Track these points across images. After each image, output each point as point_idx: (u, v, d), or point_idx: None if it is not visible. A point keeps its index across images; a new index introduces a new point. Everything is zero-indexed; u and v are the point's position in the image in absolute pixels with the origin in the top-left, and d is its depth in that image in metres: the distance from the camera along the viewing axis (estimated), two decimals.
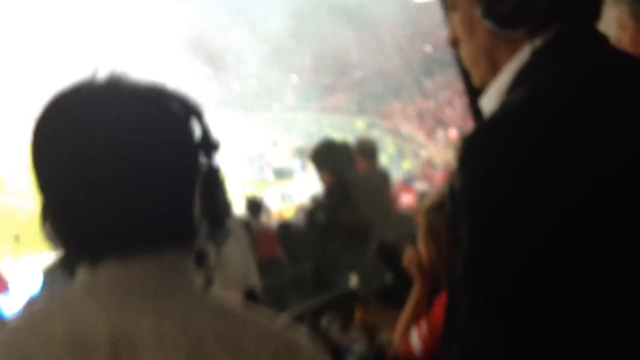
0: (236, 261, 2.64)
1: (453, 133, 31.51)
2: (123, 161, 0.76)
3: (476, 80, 1.03)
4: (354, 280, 1.90)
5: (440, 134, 33.67)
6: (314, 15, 63.42)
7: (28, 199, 28.82)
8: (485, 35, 0.99)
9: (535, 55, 0.92)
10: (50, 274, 3.49)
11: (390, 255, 1.87)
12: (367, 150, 4.20)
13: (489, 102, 0.96)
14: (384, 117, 43.18)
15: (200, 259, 0.85)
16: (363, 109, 46.16)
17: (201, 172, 0.83)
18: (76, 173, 0.76)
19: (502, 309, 0.79)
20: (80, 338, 0.72)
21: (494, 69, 0.99)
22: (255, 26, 67.01)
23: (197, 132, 0.84)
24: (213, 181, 0.86)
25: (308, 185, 26.80)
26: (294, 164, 34.50)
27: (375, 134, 39.85)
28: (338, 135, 41.77)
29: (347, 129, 42.39)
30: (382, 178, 4.37)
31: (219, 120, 50.75)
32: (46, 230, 0.80)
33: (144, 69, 59.07)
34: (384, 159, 27.80)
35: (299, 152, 36.83)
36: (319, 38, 59.90)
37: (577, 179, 0.78)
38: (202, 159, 0.84)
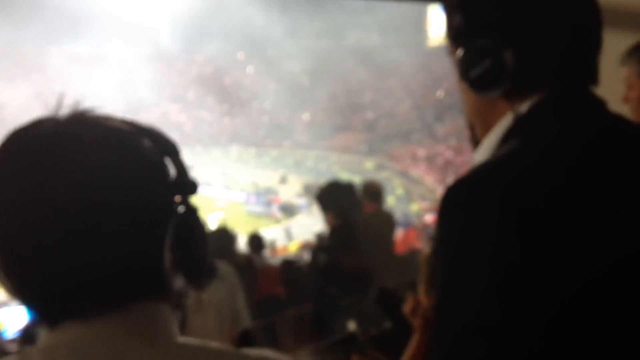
0: (222, 305, 2.60)
1: None
2: (82, 207, 0.66)
3: (477, 133, 1.06)
4: (352, 325, 1.86)
5: (449, 178, 33.69)
6: (329, 56, 64.43)
7: None
8: (472, 94, 1.02)
9: (519, 118, 0.94)
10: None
11: (390, 303, 1.84)
12: (373, 192, 4.19)
13: (480, 158, 0.98)
14: (393, 158, 43.32)
15: (177, 306, 0.77)
16: (373, 149, 46.40)
17: (175, 217, 0.73)
18: (27, 219, 0.66)
19: None
20: None
21: (486, 126, 1.01)
22: (270, 63, 68.06)
23: (172, 172, 0.75)
24: (188, 226, 0.75)
25: (314, 223, 26.78)
26: (302, 200, 34.53)
27: (384, 175, 39.93)
28: (347, 174, 41.91)
29: (356, 169, 42.54)
30: (387, 220, 4.35)
31: (230, 155, 51.29)
32: (5, 281, 0.70)
33: (154, 103, 59.79)
34: (391, 201, 27.76)
35: (307, 189, 36.92)
36: (333, 78, 60.69)
37: (547, 234, 0.80)
38: (177, 202, 0.74)
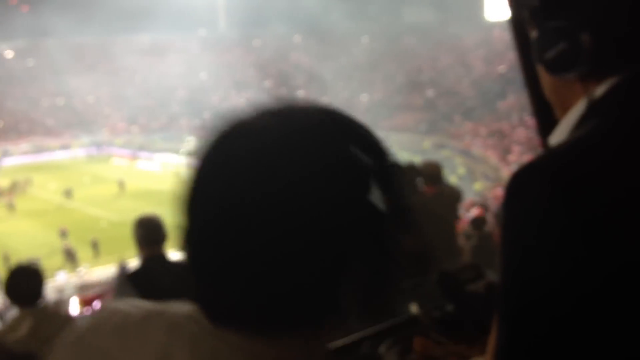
0: None
1: (527, 154, 30.67)
2: (278, 225, 0.60)
3: (555, 113, 1.03)
4: (414, 308, 1.85)
5: (513, 156, 32.83)
6: (387, 35, 63.75)
7: (108, 210, 30.16)
8: (548, 75, 0.99)
9: (594, 102, 0.91)
10: (121, 283, 3.62)
11: (452, 285, 1.82)
12: (431, 173, 4.13)
13: (555, 141, 0.95)
14: (454, 137, 42.56)
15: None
16: (433, 128, 45.74)
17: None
18: (221, 225, 0.61)
19: (533, 352, 0.78)
20: None
21: (563, 107, 0.98)
22: (327, 45, 67.93)
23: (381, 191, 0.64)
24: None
25: None
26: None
27: (445, 154, 39.34)
28: (406, 154, 41.53)
29: (415, 148, 42.07)
30: (451, 198, 4.26)
31: None
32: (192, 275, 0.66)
33: (214, 88, 60.61)
34: (453, 180, 27.34)
35: None
36: (391, 57, 60.07)
37: (622, 227, 0.77)
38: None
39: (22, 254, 22.46)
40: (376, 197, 0.62)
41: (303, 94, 59.24)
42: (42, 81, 61.18)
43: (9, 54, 63.97)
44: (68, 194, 32.93)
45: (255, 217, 0.60)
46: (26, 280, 2.98)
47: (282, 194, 0.60)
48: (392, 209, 0.64)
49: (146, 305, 0.70)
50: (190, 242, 0.66)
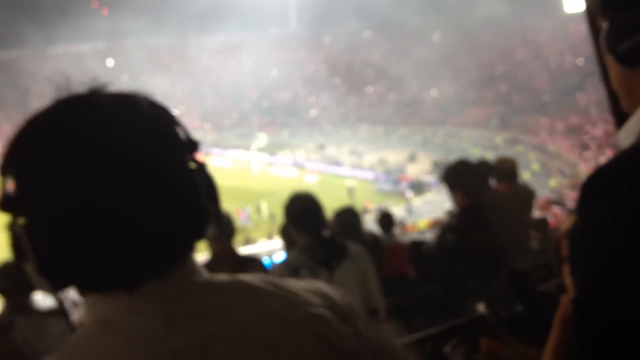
0: (353, 285, 2.62)
1: (606, 150, 29.32)
2: (129, 174, 0.71)
3: (622, 105, 0.99)
4: (481, 308, 1.82)
5: (591, 152, 31.47)
6: (459, 29, 62.40)
7: None
8: (618, 68, 0.95)
9: None
10: None
11: (521, 285, 1.78)
12: (505, 171, 3.98)
13: (626, 138, 0.91)
14: (528, 132, 41.21)
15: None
16: (506, 124, 44.45)
17: (197, 172, 0.79)
18: (79, 197, 0.69)
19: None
20: (154, 349, 0.69)
21: (633, 102, 0.94)
22: (397, 40, 67.25)
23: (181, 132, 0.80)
24: (209, 179, 0.81)
25: (444, 200, 26.31)
26: (431, 178, 34.02)
27: (518, 150, 38.14)
28: (478, 150, 40.57)
29: (487, 144, 41.04)
30: (523, 199, 4.11)
31: (358, 134, 51.64)
32: (26, 268, 0.73)
33: (284, 85, 61.18)
34: (527, 176, 26.50)
35: (436, 167, 36.30)
36: (463, 51, 58.80)
37: None
38: (191, 159, 0.79)
39: None
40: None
41: (372, 90, 58.95)
42: (120, 81, 63.74)
43: (90, 55, 67.06)
44: None
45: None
46: None
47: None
48: (193, 148, 0.81)
49: None
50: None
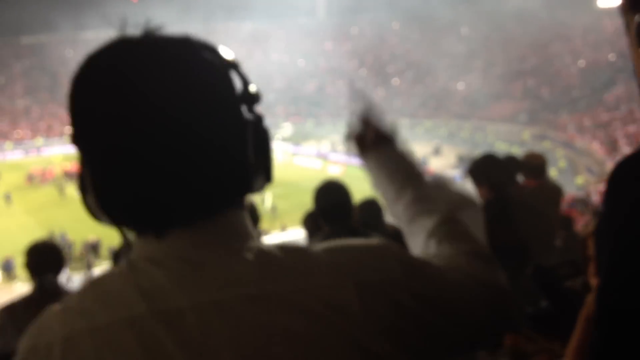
0: None
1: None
2: (172, 120, 0.70)
3: None
4: None
5: (622, 149, 30.87)
6: (488, 21, 61.60)
7: None
8: None
9: None
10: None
11: (547, 281, 1.76)
12: (534, 166, 3.92)
13: None
14: (556, 128, 40.61)
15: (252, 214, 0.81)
16: (533, 119, 43.85)
17: (249, 125, 0.75)
18: (122, 137, 0.69)
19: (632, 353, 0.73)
20: (158, 304, 0.69)
21: None
22: (425, 32, 66.64)
23: (237, 83, 0.76)
24: (261, 133, 0.78)
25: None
26: (456, 172, 33.76)
27: (545, 146, 37.60)
28: (504, 145, 40.11)
29: (514, 139, 40.52)
30: (552, 193, 4.05)
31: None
32: (88, 201, 0.75)
33: (310, 75, 61.05)
34: (553, 173, 26.15)
35: (462, 161, 35.99)
36: (491, 44, 58.04)
37: None
38: (246, 111, 0.76)
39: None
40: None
41: (398, 82, 58.59)
42: None
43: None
44: None
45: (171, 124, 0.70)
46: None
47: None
48: (250, 100, 0.78)
49: None
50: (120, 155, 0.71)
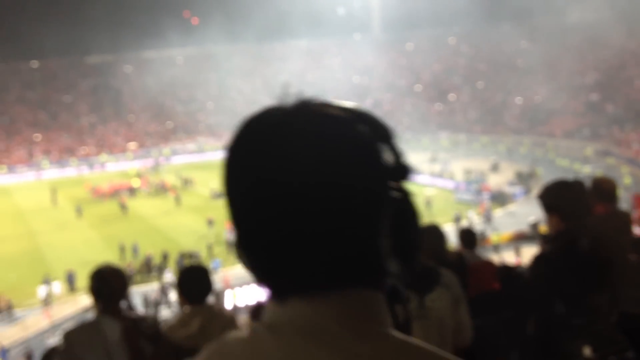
0: (444, 314, 2.50)
1: None
2: (305, 190, 0.70)
3: None
4: (587, 351, 1.69)
5: None
6: (548, 35, 60.22)
7: None
8: None
9: None
10: None
11: (635, 329, 1.64)
12: (605, 190, 3.74)
13: None
14: (620, 144, 39.10)
15: (394, 300, 0.77)
16: (596, 134, 42.39)
17: (390, 202, 0.73)
18: (265, 201, 0.71)
19: None
20: None
21: None
22: (481, 46, 65.73)
23: (389, 157, 0.74)
24: (405, 212, 0.75)
25: (527, 212, 25.34)
26: (514, 189, 32.91)
27: (609, 162, 36.25)
28: (565, 162, 38.90)
29: (576, 156, 39.28)
30: (622, 223, 3.85)
31: (439, 141, 50.76)
32: (240, 255, 0.77)
33: (366, 91, 61.14)
34: (618, 191, 25.08)
35: (520, 177, 35.11)
36: (551, 58, 56.66)
37: None
38: (393, 187, 0.74)
39: (183, 246, 24.38)
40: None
41: (454, 97, 57.86)
42: (207, 85, 65.83)
43: (180, 60, 69.71)
44: (218, 196, 34.80)
45: (308, 196, 0.70)
46: (198, 279, 3.14)
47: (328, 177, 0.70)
48: (398, 175, 0.74)
49: None
50: (251, 221, 0.73)
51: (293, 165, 0.70)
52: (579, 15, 58.39)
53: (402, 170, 0.74)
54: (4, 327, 19.26)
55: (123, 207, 32.31)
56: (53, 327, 18.02)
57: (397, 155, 0.74)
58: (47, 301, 20.45)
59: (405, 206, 0.74)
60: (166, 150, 53.14)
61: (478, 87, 57.47)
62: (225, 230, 25.05)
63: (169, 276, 20.31)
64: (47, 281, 21.09)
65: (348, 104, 0.77)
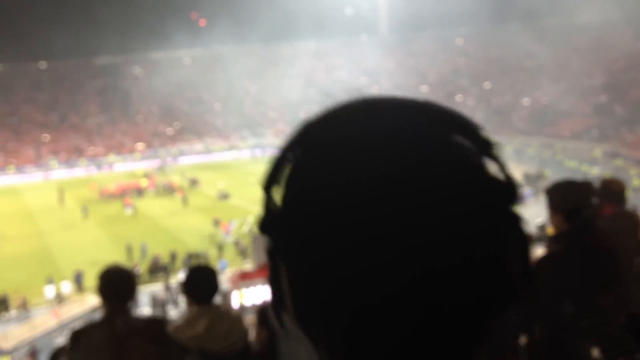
0: None
1: None
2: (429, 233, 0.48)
3: None
4: (595, 352, 1.68)
5: None
6: (556, 36, 60.03)
7: None
8: None
9: None
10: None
11: None
12: (615, 192, 3.72)
13: None
14: (629, 146, 38.91)
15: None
16: (604, 136, 42.21)
17: (503, 229, 0.52)
18: (363, 247, 0.48)
19: None
20: None
21: None
22: (488, 47, 65.64)
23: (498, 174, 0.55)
24: (520, 239, 0.53)
25: (535, 214, 25.23)
26: (522, 190, 32.77)
27: (617, 164, 36.07)
28: (573, 163, 38.74)
29: (583, 157, 39.10)
30: (631, 222, 3.83)
31: None
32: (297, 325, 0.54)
33: (371, 92, 61.21)
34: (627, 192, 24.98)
35: (528, 179, 34.99)
36: (558, 59, 56.45)
37: None
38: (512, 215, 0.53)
39: (190, 246, 24.44)
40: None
41: (461, 98, 57.75)
42: (215, 86, 66.01)
43: (188, 61, 69.94)
44: (224, 196, 34.98)
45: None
46: (205, 279, 3.13)
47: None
48: (511, 198, 0.54)
49: None
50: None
51: (390, 192, 0.48)
52: (587, 17, 58.13)
53: (512, 189, 0.54)
54: (13, 326, 19.38)
55: (128, 207, 32.49)
56: (61, 327, 18.11)
57: (505, 171, 0.55)
58: (59, 299, 20.60)
59: (518, 233, 0.53)
60: (174, 150, 53.32)
61: (485, 88, 57.33)
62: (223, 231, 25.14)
63: (182, 277, 20.33)
64: (51, 281, 21.20)
65: (424, 104, 0.58)
